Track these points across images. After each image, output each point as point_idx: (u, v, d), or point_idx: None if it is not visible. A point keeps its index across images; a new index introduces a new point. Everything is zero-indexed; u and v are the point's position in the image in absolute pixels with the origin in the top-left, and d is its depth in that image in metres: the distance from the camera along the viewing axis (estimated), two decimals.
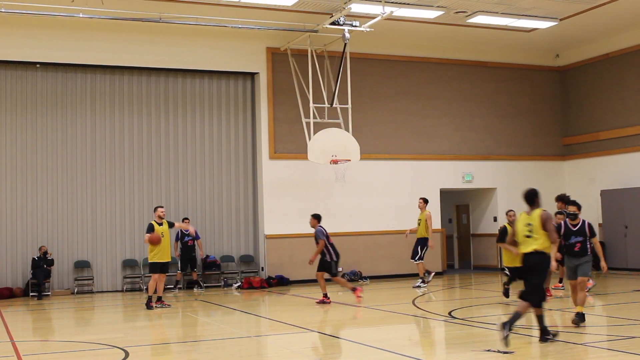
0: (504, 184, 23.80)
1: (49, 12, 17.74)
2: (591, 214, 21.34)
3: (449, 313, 13.79)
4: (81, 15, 17.73)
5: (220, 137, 21.34)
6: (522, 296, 10.14)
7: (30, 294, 18.73)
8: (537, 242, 9.95)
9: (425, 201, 19.25)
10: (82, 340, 11.81)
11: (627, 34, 22.48)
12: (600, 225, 22.19)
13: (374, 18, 18.64)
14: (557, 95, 25.13)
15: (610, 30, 22.36)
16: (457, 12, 19.68)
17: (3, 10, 17.05)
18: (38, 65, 19.63)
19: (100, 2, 17.43)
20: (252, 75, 21.54)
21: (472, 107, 23.74)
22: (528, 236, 10.05)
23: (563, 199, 13.97)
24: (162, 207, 16.43)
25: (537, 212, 10.09)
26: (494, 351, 9.44)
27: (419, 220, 19.20)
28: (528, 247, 10.05)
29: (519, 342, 10.26)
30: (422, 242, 18.92)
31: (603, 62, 23.69)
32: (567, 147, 24.91)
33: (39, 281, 18.61)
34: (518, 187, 23.36)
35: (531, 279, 10.04)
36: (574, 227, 11.89)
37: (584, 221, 11.96)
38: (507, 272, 14.79)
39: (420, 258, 18.86)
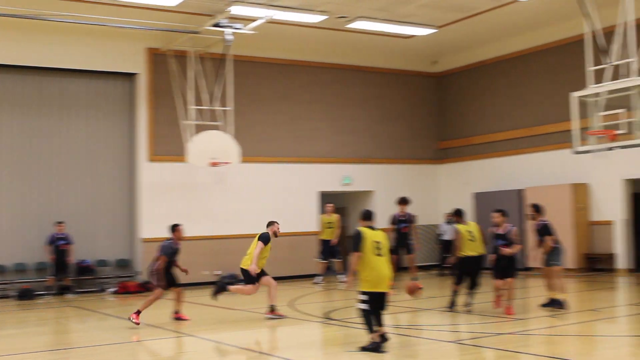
0: (382, 186, 24.25)
1: None
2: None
3: (326, 314, 13.92)
4: None
5: (98, 138, 20.78)
6: None
7: None
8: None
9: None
10: None
11: (500, 43, 23.35)
12: None
13: (256, 21, 18.63)
14: (434, 101, 25.83)
15: (485, 39, 23.16)
16: (338, 17, 19.91)
17: None
18: None
19: None
20: (131, 76, 21.11)
21: (351, 111, 24.08)
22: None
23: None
24: None
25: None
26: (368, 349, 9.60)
27: (328, 223, 20.39)
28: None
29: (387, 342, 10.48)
30: (326, 244, 20.43)
31: (478, 69, 24.53)
32: (442, 151, 25.64)
33: None
34: (395, 190, 24.20)
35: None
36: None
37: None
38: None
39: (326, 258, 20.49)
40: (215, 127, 20.32)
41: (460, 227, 13.92)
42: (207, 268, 20.49)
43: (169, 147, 20.74)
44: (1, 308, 17.18)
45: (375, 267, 9.61)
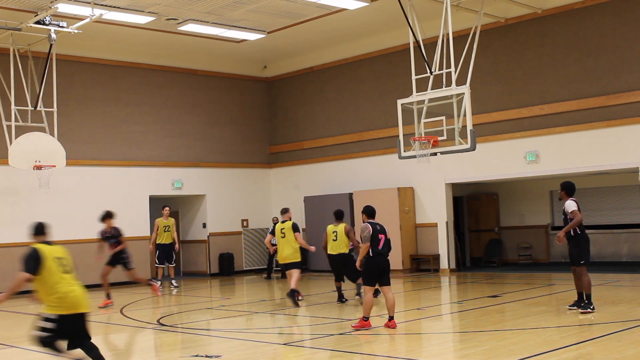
0: (213, 190, 24.19)
1: None
2: (296, 219, 22.36)
3: (158, 320, 13.73)
4: None
5: None
6: None
7: None
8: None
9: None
10: None
11: (329, 50, 23.90)
12: (304, 229, 23.28)
13: (83, 19, 18.04)
14: (264, 105, 26.06)
15: (314, 46, 23.62)
16: (168, 19, 19.67)
17: None
18: None
19: None
20: None
21: (182, 114, 23.86)
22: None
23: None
24: None
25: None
26: (202, 356, 9.56)
27: (165, 227, 20.01)
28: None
29: (225, 345, 10.49)
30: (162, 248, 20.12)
31: (307, 75, 24.98)
32: (273, 155, 25.90)
33: None
34: (227, 194, 24.24)
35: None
36: None
37: None
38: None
39: None
40: (40, 129, 19.50)
41: (329, 227, 14.84)
42: None
43: None
44: None
45: (63, 287, 7.93)
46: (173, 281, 20.59)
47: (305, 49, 24.01)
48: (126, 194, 22.03)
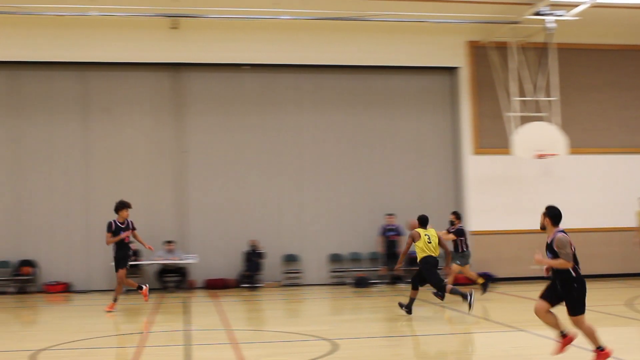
0: None
1: (252, 16, 18.84)
2: None
3: None
4: (283, 17, 18.70)
5: (421, 132, 21.35)
6: None
7: (243, 285, 19.67)
8: None
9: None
10: (291, 331, 12.28)
11: None
12: None
13: (578, 6, 17.87)
14: None
15: None
16: None
17: (214, 17, 18.17)
18: (244, 67, 20.60)
19: (302, 3, 18.15)
20: (451, 70, 21.37)
21: None
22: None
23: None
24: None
25: None
26: None
27: None
28: None
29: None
30: None
31: None
32: None
33: (250, 273, 19.55)
34: None
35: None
36: None
37: None
38: None
39: None
40: (540, 118, 19.85)
41: None
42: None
43: (493, 140, 20.67)
44: (339, 294, 18.40)
45: None
46: None
47: None
48: (623, 182, 21.20)
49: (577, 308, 8.64)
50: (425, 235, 13.75)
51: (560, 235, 8.94)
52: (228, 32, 19.83)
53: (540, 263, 8.91)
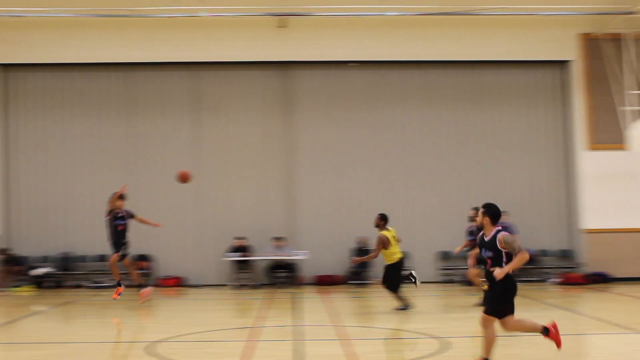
0: None
1: (358, 13, 19.07)
2: None
3: None
4: (389, 14, 18.75)
5: (531, 127, 20.93)
6: None
7: (351, 281, 19.74)
8: None
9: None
10: (401, 329, 12.25)
11: None
12: None
13: None
14: None
15: None
16: None
17: (321, 14, 18.35)
18: (351, 64, 20.69)
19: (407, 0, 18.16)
20: (562, 64, 20.81)
21: None
22: None
23: None
24: None
25: None
26: None
27: None
28: None
29: None
30: None
31: None
32: None
33: (359, 270, 19.60)
34: None
35: None
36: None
37: None
38: None
39: None
40: None
41: None
42: None
43: (608, 135, 20.03)
44: (448, 292, 18.27)
45: None
46: None
47: None
48: None
49: (499, 307, 8.54)
50: (393, 237, 14.25)
51: (503, 233, 8.49)
52: (334, 30, 19.97)
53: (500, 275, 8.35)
